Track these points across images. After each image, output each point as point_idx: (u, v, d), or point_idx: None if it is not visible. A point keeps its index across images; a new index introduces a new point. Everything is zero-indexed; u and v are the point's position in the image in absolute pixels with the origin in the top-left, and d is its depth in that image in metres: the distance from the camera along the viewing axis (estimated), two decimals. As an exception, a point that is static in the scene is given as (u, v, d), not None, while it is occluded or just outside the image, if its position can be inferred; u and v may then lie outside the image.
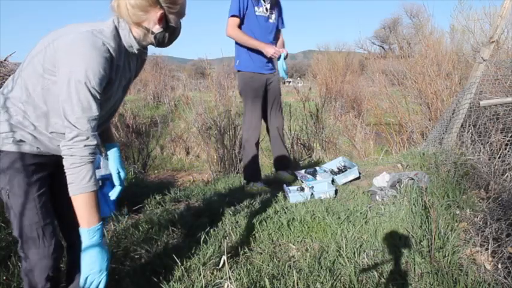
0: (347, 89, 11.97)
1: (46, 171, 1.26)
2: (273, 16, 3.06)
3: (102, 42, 1.10)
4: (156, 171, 6.11)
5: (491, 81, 3.69)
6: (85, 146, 1.08)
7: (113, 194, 1.41)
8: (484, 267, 1.87)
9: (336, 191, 2.86)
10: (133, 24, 1.21)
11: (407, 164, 3.37)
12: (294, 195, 2.72)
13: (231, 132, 4.87)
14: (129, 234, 2.19)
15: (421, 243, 2.06)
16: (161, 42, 1.26)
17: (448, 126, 3.79)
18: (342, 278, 1.79)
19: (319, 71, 13.81)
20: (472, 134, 3.46)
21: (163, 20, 1.21)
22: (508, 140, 3.30)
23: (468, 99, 3.59)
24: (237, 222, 2.36)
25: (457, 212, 2.39)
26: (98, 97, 1.10)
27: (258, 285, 1.72)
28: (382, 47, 28.31)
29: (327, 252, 1.99)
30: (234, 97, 7.50)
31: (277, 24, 3.12)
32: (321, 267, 1.85)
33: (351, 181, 3.13)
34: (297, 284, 1.69)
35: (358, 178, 3.20)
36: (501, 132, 3.46)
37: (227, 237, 2.16)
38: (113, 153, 1.46)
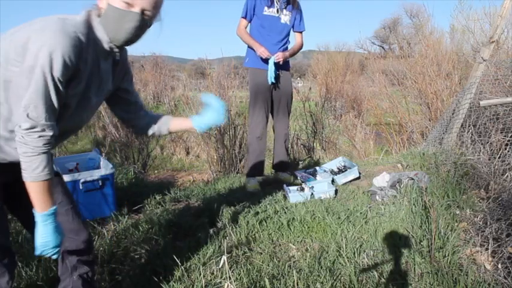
0: (347, 89, 11.96)
1: (1, 181, 1.18)
2: (287, 17, 3.07)
3: (73, 30, 1.04)
4: (156, 171, 6.11)
5: (491, 81, 3.68)
6: (39, 137, 1.02)
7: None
8: (484, 267, 1.87)
9: (336, 191, 2.86)
10: None
11: (407, 164, 3.37)
12: (294, 195, 2.72)
13: (231, 132, 4.86)
14: (129, 234, 2.19)
15: (421, 243, 2.06)
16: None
17: (448, 126, 3.79)
18: (342, 278, 1.79)
19: (319, 71, 13.81)
20: (472, 134, 3.46)
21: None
22: (508, 140, 3.30)
23: (468, 99, 3.59)
24: (237, 222, 2.36)
25: (457, 212, 2.39)
26: (61, 87, 1.04)
27: (258, 285, 1.71)
28: (382, 47, 28.31)
29: (327, 252, 1.99)
30: (234, 97, 7.49)
31: (291, 25, 3.13)
32: (321, 267, 1.85)
33: (351, 181, 3.13)
34: (297, 284, 1.69)
35: (358, 178, 3.20)
36: (501, 132, 3.46)
37: (227, 237, 2.16)
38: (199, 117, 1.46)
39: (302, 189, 2.82)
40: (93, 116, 1.64)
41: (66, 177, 2.37)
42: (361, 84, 11.59)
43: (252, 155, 3.20)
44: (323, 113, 7.07)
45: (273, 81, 3.01)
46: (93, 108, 1.26)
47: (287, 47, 3.16)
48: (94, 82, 1.20)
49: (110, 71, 1.28)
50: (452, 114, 3.79)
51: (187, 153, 7.47)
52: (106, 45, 1.17)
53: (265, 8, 3.01)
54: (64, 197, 1.31)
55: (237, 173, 4.55)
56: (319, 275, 1.78)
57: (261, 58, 3.00)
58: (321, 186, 2.92)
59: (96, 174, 2.47)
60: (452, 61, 5.59)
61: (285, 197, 2.78)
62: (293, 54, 3.19)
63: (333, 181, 3.10)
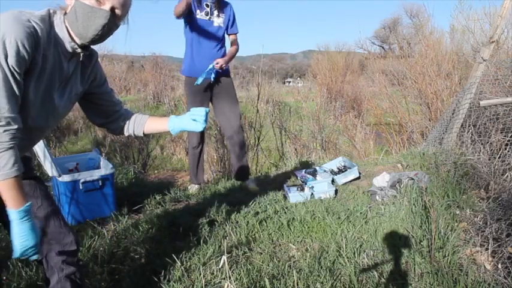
0: (347, 89, 11.97)
1: None
2: (220, 20, 2.97)
3: (27, 18, 1.00)
4: (156, 171, 6.11)
5: (491, 81, 3.69)
6: (4, 131, 0.98)
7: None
8: (484, 267, 1.87)
9: (336, 191, 2.86)
10: None
11: (407, 164, 3.37)
12: (294, 195, 2.72)
13: (231, 132, 4.85)
14: (129, 234, 2.19)
15: (421, 243, 2.06)
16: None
17: (448, 126, 3.79)
18: (342, 278, 1.79)
19: (319, 71, 13.82)
20: (472, 134, 3.46)
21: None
22: (508, 140, 3.30)
23: (468, 99, 3.59)
24: (237, 222, 2.36)
25: (457, 212, 2.39)
26: (18, 77, 0.99)
27: (258, 285, 1.72)
28: (382, 47, 28.30)
29: (327, 252, 1.99)
30: (234, 97, 7.50)
31: (224, 28, 3.01)
32: (321, 267, 1.85)
33: (351, 181, 3.13)
34: (297, 284, 1.69)
35: (358, 178, 3.20)
36: (501, 132, 3.46)
37: (227, 237, 2.16)
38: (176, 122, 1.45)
39: (302, 189, 2.82)
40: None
41: (66, 177, 2.37)
42: (361, 84, 11.60)
43: (191, 164, 3.26)
44: (323, 113, 7.07)
45: (198, 81, 2.87)
46: (59, 111, 1.21)
47: (224, 51, 3.07)
48: (57, 82, 1.15)
49: (77, 74, 1.24)
50: (452, 114, 3.79)
51: (187, 153, 7.46)
52: (68, 45, 1.14)
53: (198, 11, 2.91)
54: (44, 200, 1.27)
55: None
56: (319, 275, 1.78)
57: (196, 66, 2.93)
58: (321, 186, 2.92)
59: (96, 174, 2.47)
60: (452, 61, 5.60)
61: (285, 197, 2.78)
62: (232, 58, 3.07)
63: (333, 181, 3.10)
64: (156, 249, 2.04)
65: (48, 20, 1.09)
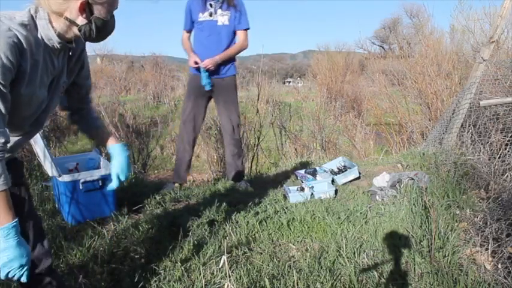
0: (347, 89, 11.98)
1: None
2: (225, 18, 2.87)
3: (7, 27, 0.96)
4: (156, 171, 6.11)
5: (491, 81, 3.69)
6: None
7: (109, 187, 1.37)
8: (484, 267, 1.87)
9: (336, 191, 2.86)
10: (54, 14, 1.07)
11: (407, 164, 3.37)
12: (294, 195, 2.72)
13: (231, 132, 4.86)
14: (129, 234, 2.19)
15: (421, 243, 2.06)
16: (88, 36, 1.11)
17: (448, 126, 3.79)
18: (342, 278, 1.79)
19: (319, 71, 13.83)
20: (472, 134, 3.46)
21: (85, 10, 1.07)
22: (508, 140, 3.30)
23: (468, 99, 3.59)
24: (237, 222, 2.36)
25: (457, 212, 2.39)
26: (4, 90, 0.96)
27: (258, 285, 1.72)
28: (382, 47, 28.31)
29: (327, 252, 1.99)
30: (234, 97, 7.50)
31: (232, 26, 2.91)
32: (321, 267, 1.85)
33: (351, 181, 3.13)
34: (297, 284, 1.69)
35: (358, 178, 3.20)
36: (501, 132, 3.46)
37: (227, 237, 2.16)
38: (115, 155, 1.40)
39: (302, 189, 2.82)
40: None
41: (66, 177, 2.37)
42: (361, 84, 11.61)
43: (179, 160, 3.17)
44: (323, 113, 7.07)
45: (209, 87, 2.88)
46: (51, 106, 1.21)
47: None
48: (49, 81, 1.14)
49: (64, 65, 1.21)
50: (452, 114, 3.79)
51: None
52: (56, 45, 1.10)
53: (200, 14, 2.88)
54: (25, 211, 1.23)
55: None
56: (319, 275, 1.78)
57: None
58: (321, 186, 2.92)
59: (96, 174, 2.47)
60: (452, 61, 5.60)
61: (285, 197, 2.78)
62: (230, 56, 2.92)
63: (333, 181, 3.10)
64: (156, 249, 2.04)
65: (32, 24, 1.05)
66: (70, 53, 1.20)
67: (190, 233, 2.23)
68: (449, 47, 6.26)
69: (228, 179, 3.27)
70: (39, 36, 1.06)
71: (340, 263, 1.89)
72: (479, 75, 3.55)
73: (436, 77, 5.58)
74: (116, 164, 1.41)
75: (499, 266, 1.84)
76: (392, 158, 3.97)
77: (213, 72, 2.88)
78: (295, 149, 5.92)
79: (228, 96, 3.02)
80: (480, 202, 2.48)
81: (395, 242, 2.09)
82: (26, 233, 1.21)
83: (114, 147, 1.42)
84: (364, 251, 2.00)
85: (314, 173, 3.28)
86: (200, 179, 4.49)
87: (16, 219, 1.01)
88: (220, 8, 2.86)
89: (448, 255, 1.92)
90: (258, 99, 5.52)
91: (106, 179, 2.51)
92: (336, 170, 3.34)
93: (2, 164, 0.98)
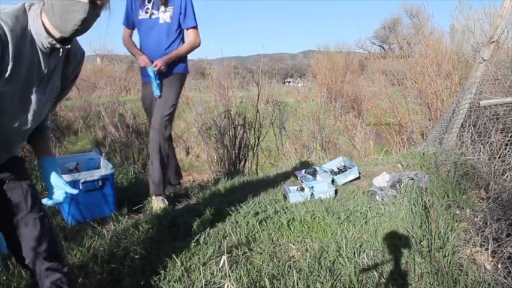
0: (347, 89, 11.98)
1: None
2: (167, 14, 2.63)
3: None
4: (156, 171, 6.10)
5: (491, 81, 3.69)
6: None
7: (48, 202, 1.26)
8: (484, 267, 1.87)
9: (336, 191, 2.85)
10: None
11: (407, 164, 3.37)
12: (294, 195, 2.72)
13: (231, 132, 4.86)
14: (129, 234, 2.19)
15: (421, 243, 2.06)
16: (52, 21, 1.05)
17: (448, 126, 3.79)
18: (342, 278, 1.79)
19: (319, 71, 13.84)
20: (472, 134, 3.46)
21: None
22: (508, 140, 3.30)
23: (468, 99, 3.59)
24: (237, 222, 2.36)
25: (457, 212, 2.39)
26: None
27: (258, 285, 1.72)
28: (382, 47, 28.30)
29: (327, 252, 1.99)
30: (234, 97, 7.51)
31: (176, 24, 2.66)
32: (321, 267, 1.85)
33: (351, 181, 3.13)
34: (297, 284, 1.69)
35: (358, 178, 3.20)
36: (501, 132, 3.46)
37: (227, 237, 2.16)
38: (46, 167, 1.28)
39: (302, 189, 2.82)
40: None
41: (66, 177, 2.37)
42: (361, 84, 11.61)
43: (161, 168, 2.73)
44: (323, 113, 7.08)
45: (159, 93, 2.62)
46: (40, 107, 1.17)
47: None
48: (35, 80, 1.11)
49: (59, 69, 1.18)
50: (452, 114, 3.80)
51: (187, 153, 7.48)
52: (45, 41, 1.06)
53: (140, 11, 2.65)
54: (34, 207, 1.24)
55: (237, 173, 4.56)
56: (319, 275, 1.78)
57: (146, 70, 2.61)
58: (321, 186, 2.92)
59: (96, 174, 2.47)
60: (452, 61, 5.60)
61: (285, 197, 2.78)
62: (180, 55, 2.67)
63: (333, 181, 3.10)
64: (156, 249, 2.04)
65: (23, 16, 1.03)
66: (61, 54, 1.16)
67: (190, 233, 2.23)
68: (449, 47, 6.26)
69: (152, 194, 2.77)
70: (28, 29, 1.04)
71: (340, 263, 1.89)
72: (479, 75, 3.55)
73: (436, 77, 5.58)
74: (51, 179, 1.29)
75: (499, 266, 1.84)
76: (392, 158, 3.97)
77: (161, 73, 2.61)
78: (295, 149, 5.92)
79: (166, 91, 2.68)
80: (480, 202, 2.48)
81: (395, 242, 2.09)
82: (30, 226, 1.21)
83: (44, 160, 1.30)
84: (364, 251, 2.00)
85: (314, 173, 3.28)
86: (200, 179, 4.49)
87: None
88: (162, 3, 2.62)
89: (448, 255, 1.92)
90: (258, 99, 5.51)
91: (106, 179, 2.52)
92: (336, 170, 3.34)
93: None
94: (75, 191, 1.29)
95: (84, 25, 1.05)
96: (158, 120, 2.65)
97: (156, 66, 2.53)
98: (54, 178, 1.27)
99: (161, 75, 2.62)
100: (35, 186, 1.31)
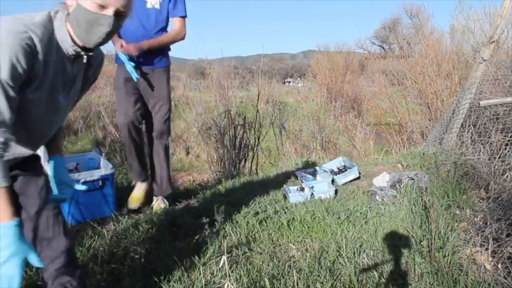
0: (347, 89, 11.99)
1: None
2: (155, 1, 2.46)
3: (23, 29, 0.95)
4: (156, 171, 6.09)
5: (491, 81, 3.69)
6: None
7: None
8: (484, 267, 1.87)
9: (336, 191, 2.85)
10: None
11: (407, 164, 3.37)
12: (294, 195, 2.72)
13: (231, 132, 4.87)
14: (129, 234, 2.19)
15: (421, 243, 2.06)
16: (76, 32, 1.07)
17: (448, 126, 3.79)
18: (342, 278, 1.79)
19: (319, 71, 13.84)
20: (472, 134, 3.46)
21: None
22: (508, 140, 3.30)
23: (468, 99, 3.59)
24: (237, 222, 2.36)
25: (457, 212, 2.39)
26: (11, 92, 0.95)
27: (258, 285, 1.72)
28: (382, 47, 28.29)
29: (327, 252, 1.99)
30: (234, 97, 7.50)
31: (166, 10, 2.50)
32: (321, 267, 1.85)
33: (351, 181, 3.13)
34: (297, 284, 1.69)
35: (358, 178, 3.20)
36: (501, 132, 3.46)
37: (227, 237, 2.16)
38: (55, 165, 1.30)
39: (302, 189, 2.82)
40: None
41: (66, 177, 2.37)
42: (361, 84, 11.61)
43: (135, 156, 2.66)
44: (323, 113, 7.08)
45: (137, 76, 2.40)
46: (63, 111, 1.20)
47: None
48: (60, 86, 1.13)
49: (81, 74, 1.21)
50: (452, 114, 3.79)
51: (187, 153, 7.48)
52: (70, 49, 1.09)
53: None
54: (48, 203, 1.24)
55: (237, 173, 4.56)
56: (319, 275, 1.78)
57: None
58: (321, 186, 2.92)
59: (96, 174, 2.47)
60: (452, 61, 5.60)
61: (285, 197, 2.78)
62: (161, 44, 2.48)
63: (333, 181, 3.10)
64: (156, 249, 2.04)
65: (49, 24, 1.05)
66: (85, 61, 1.17)
67: (190, 233, 2.23)
68: (449, 47, 6.26)
69: (156, 195, 2.76)
70: (54, 37, 1.06)
71: (340, 263, 1.89)
72: (479, 75, 3.55)
73: (436, 77, 5.58)
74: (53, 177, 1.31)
75: (499, 266, 1.84)
76: (392, 158, 3.97)
77: (142, 62, 2.44)
78: (295, 149, 5.93)
79: (157, 91, 2.58)
80: (480, 202, 2.48)
81: (395, 242, 2.09)
82: (43, 223, 1.22)
83: (54, 157, 1.33)
84: (364, 251, 2.00)
85: (314, 173, 3.28)
86: (200, 179, 4.49)
87: (16, 220, 0.98)
88: None
89: (448, 255, 1.92)
90: (258, 99, 5.51)
91: (106, 179, 2.52)
92: (336, 170, 3.34)
93: (0, 161, 0.96)
94: (83, 187, 1.34)
95: (108, 37, 1.07)
96: (160, 130, 2.61)
97: (126, 49, 2.31)
98: (63, 175, 1.32)
99: (141, 63, 2.44)
100: (49, 183, 1.32)
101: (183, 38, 2.58)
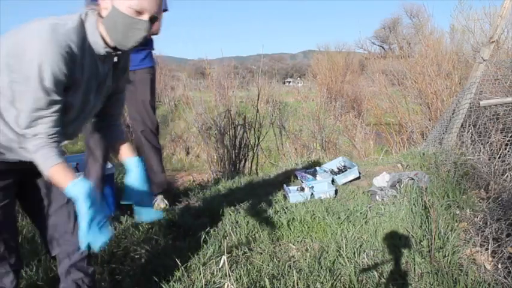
0: (347, 89, 11.99)
1: (11, 180, 1.19)
2: None
3: (62, 38, 1.01)
4: (156, 171, 6.09)
5: (491, 81, 3.69)
6: (36, 142, 1.05)
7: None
8: (484, 267, 1.87)
9: (336, 191, 2.85)
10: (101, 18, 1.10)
11: (407, 164, 3.37)
12: (294, 195, 2.72)
13: (231, 132, 4.87)
14: (129, 234, 2.19)
15: (421, 243, 2.06)
16: (111, 33, 1.11)
17: (448, 126, 3.79)
18: (342, 278, 1.79)
19: (319, 71, 13.85)
20: (472, 134, 3.46)
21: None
22: (508, 140, 3.30)
23: (468, 99, 3.59)
24: (237, 222, 2.36)
25: (457, 212, 2.39)
26: (56, 96, 1.03)
27: (258, 285, 1.72)
28: (382, 47, 28.28)
29: (327, 252, 1.99)
30: (234, 97, 7.51)
31: None
32: (321, 267, 1.85)
33: (351, 181, 3.13)
34: (297, 284, 1.69)
35: (358, 178, 3.20)
36: (501, 132, 3.46)
37: (227, 237, 2.16)
38: (131, 169, 1.32)
39: (302, 189, 2.82)
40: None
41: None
42: (361, 84, 11.61)
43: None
44: (323, 113, 7.08)
45: None
46: (95, 109, 1.26)
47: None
48: (94, 86, 1.17)
49: (110, 71, 1.25)
50: (452, 114, 3.79)
51: (187, 153, 7.49)
52: (102, 50, 1.13)
53: None
54: (70, 200, 1.27)
55: (237, 173, 4.56)
56: (319, 275, 1.78)
57: None
58: (321, 186, 2.92)
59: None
60: (452, 61, 5.60)
61: (285, 197, 2.78)
62: None
63: (333, 181, 3.10)
64: (156, 249, 2.04)
65: (81, 29, 1.08)
66: (116, 59, 1.21)
67: (190, 233, 2.23)
68: (449, 47, 6.27)
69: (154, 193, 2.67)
70: (87, 40, 1.10)
71: (340, 263, 1.89)
72: (479, 75, 3.55)
73: (436, 77, 5.58)
74: (132, 177, 1.33)
75: (499, 266, 1.84)
76: (392, 158, 3.97)
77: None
78: (295, 149, 5.93)
79: (141, 95, 2.49)
80: (480, 202, 2.48)
81: (395, 242, 2.09)
82: (65, 218, 1.27)
83: (130, 160, 1.35)
84: (364, 251, 2.00)
85: (314, 173, 3.28)
86: (200, 179, 4.49)
87: (81, 178, 1.07)
88: None
89: (448, 255, 1.92)
90: (258, 99, 5.51)
91: (106, 179, 2.51)
92: (336, 170, 3.34)
93: (46, 148, 1.05)
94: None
95: (143, 40, 1.11)
96: (147, 133, 2.53)
97: None
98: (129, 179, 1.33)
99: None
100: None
101: (157, 33, 2.24)
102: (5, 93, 1.05)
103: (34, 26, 1.01)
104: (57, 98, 1.03)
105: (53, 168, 1.05)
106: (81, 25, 1.08)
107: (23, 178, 1.24)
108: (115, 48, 1.14)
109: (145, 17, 1.07)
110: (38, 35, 0.98)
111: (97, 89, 1.20)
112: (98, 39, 1.10)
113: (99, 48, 1.12)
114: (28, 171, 1.16)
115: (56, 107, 1.05)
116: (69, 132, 1.22)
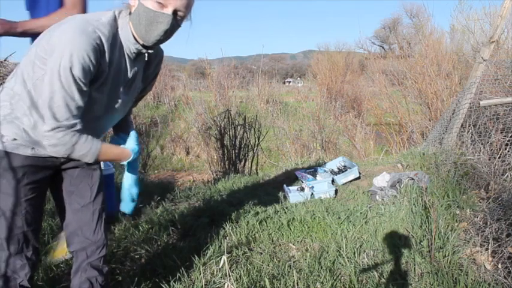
0: (347, 89, 11.99)
1: (41, 175, 1.21)
2: None
3: (93, 29, 1.03)
4: (156, 171, 6.12)
5: (491, 81, 3.69)
6: (65, 135, 1.07)
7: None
8: (484, 267, 1.87)
9: (336, 191, 2.85)
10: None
11: (407, 164, 3.37)
12: (294, 195, 2.72)
13: (231, 132, 4.87)
14: (129, 234, 2.19)
15: (421, 243, 2.06)
16: (137, 29, 1.12)
17: (448, 126, 3.79)
18: (342, 278, 1.79)
19: (319, 71, 13.84)
20: (472, 134, 3.46)
21: None
22: (508, 140, 3.30)
23: (468, 99, 3.59)
24: (237, 222, 2.36)
25: (457, 212, 2.39)
26: (84, 87, 1.04)
27: (258, 285, 1.72)
28: (382, 47, 28.29)
29: (327, 252, 1.99)
30: (234, 97, 7.51)
31: None
32: (321, 267, 1.85)
33: (351, 181, 3.13)
34: (297, 284, 1.69)
35: (358, 178, 3.20)
36: (501, 132, 3.46)
37: (227, 237, 2.16)
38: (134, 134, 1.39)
39: (302, 189, 2.82)
40: None
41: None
42: (361, 84, 11.61)
43: None
44: (323, 113, 7.08)
45: None
46: (124, 106, 1.27)
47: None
48: (122, 83, 1.19)
49: (141, 71, 1.26)
50: (452, 114, 3.79)
51: (187, 153, 7.49)
52: (133, 46, 1.14)
53: None
54: (98, 197, 1.32)
55: (237, 173, 4.56)
56: (319, 275, 1.78)
57: None
58: (321, 186, 2.92)
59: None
60: (452, 61, 5.61)
61: (285, 197, 2.78)
62: (44, 26, 1.33)
63: (333, 181, 3.10)
64: (156, 249, 2.04)
65: (114, 24, 1.10)
66: (146, 59, 1.23)
67: (190, 233, 2.23)
68: (449, 47, 6.27)
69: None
70: (118, 36, 1.12)
71: (340, 263, 1.89)
72: (479, 75, 3.55)
73: (436, 77, 5.58)
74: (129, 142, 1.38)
75: (499, 266, 1.84)
76: (392, 158, 3.98)
77: None
78: (295, 149, 5.93)
79: None
80: (480, 202, 2.48)
81: (395, 242, 2.09)
82: (89, 216, 1.30)
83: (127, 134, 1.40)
84: (364, 251, 2.00)
85: (314, 173, 3.28)
86: (200, 179, 4.50)
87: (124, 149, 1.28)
88: None
89: (448, 255, 1.92)
90: (258, 99, 5.51)
91: (106, 179, 2.51)
92: (336, 170, 3.34)
93: (77, 139, 1.10)
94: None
95: (166, 35, 1.11)
96: None
97: None
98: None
99: None
100: (103, 178, 1.39)
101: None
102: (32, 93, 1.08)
103: (68, 19, 1.04)
104: (85, 89, 1.05)
105: (102, 148, 1.15)
106: (114, 21, 1.10)
107: (54, 173, 1.27)
108: (145, 47, 1.15)
109: (169, 10, 1.07)
110: (70, 28, 1.01)
111: (125, 88, 1.21)
112: (129, 35, 1.12)
113: (130, 44, 1.14)
114: (58, 167, 1.23)
115: (82, 100, 1.06)
116: (95, 133, 1.22)
